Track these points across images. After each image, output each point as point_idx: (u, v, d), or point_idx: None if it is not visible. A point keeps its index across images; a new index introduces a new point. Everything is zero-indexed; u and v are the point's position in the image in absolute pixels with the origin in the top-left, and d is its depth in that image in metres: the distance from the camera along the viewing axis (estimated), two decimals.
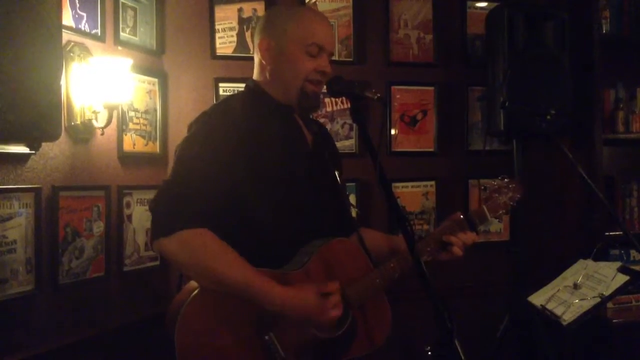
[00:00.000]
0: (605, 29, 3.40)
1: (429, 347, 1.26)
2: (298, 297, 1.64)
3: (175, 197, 1.61)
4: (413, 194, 3.32)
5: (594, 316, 2.55)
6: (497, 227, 3.47)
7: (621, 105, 3.46)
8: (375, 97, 1.62)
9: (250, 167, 1.69)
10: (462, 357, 1.24)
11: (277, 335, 1.66)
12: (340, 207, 1.91)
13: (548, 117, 2.55)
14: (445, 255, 1.93)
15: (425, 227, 3.35)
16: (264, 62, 1.84)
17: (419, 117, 3.36)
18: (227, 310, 1.63)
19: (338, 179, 1.89)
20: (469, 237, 1.93)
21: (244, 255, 1.65)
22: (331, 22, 3.21)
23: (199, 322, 1.61)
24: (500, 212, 2.02)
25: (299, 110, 1.87)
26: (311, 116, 1.99)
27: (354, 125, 3.18)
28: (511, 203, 2.03)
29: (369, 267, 1.82)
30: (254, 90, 1.88)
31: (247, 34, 3.10)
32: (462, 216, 1.95)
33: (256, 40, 1.87)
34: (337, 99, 3.16)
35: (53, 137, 1.97)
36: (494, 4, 3.29)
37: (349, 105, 1.70)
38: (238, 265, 1.61)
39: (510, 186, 2.04)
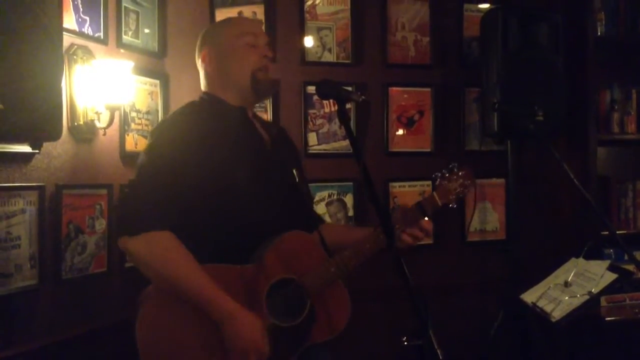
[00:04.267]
0: (600, 30, 3.43)
1: (405, 337, 1.32)
2: (235, 324, 1.69)
3: (142, 197, 1.73)
4: (410, 194, 3.38)
5: (587, 314, 2.60)
6: (494, 226, 3.53)
7: (616, 106, 3.50)
8: (360, 99, 1.69)
9: (209, 167, 1.79)
10: (436, 347, 1.29)
11: None
12: (301, 204, 1.98)
13: (538, 118, 2.60)
14: (400, 243, 1.97)
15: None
16: (209, 69, 1.98)
17: (416, 117, 3.41)
18: (186, 304, 1.72)
19: (297, 177, 1.96)
20: (425, 223, 1.99)
21: (206, 250, 1.75)
22: (329, 25, 3.30)
23: (159, 317, 1.71)
24: (451, 197, 2.05)
25: (256, 99, 2.01)
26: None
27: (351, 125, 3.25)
28: (461, 189, 2.07)
29: (324, 257, 1.88)
30: (207, 99, 2.00)
31: None
32: (414, 205, 2.01)
33: (197, 57, 2.02)
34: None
35: (54, 137, 2.05)
36: (491, 6, 3.35)
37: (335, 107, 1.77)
38: (194, 272, 1.71)
39: (460, 173, 2.08)
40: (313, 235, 1.92)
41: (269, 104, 3.17)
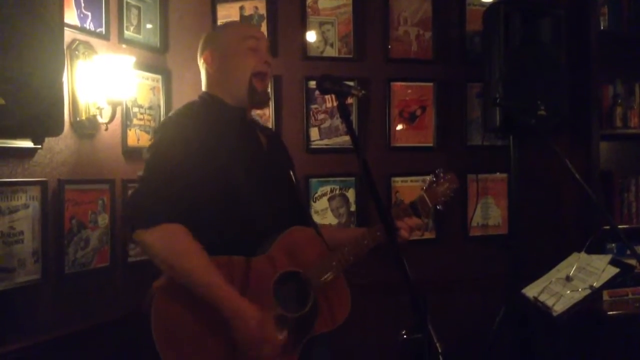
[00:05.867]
0: (603, 25, 3.43)
1: (404, 332, 1.33)
2: (245, 320, 1.72)
3: (153, 191, 1.77)
4: (412, 188, 3.37)
5: (589, 308, 2.59)
6: (496, 221, 3.52)
7: (619, 101, 3.49)
8: (360, 94, 1.71)
9: (210, 165, 1.83)
10: (436, 341, 1.30)
11: None
12: (298, 203, 2.04)
13: (540, 113, 2.59)
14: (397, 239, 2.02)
15: (424, 220, 3.41)
16: (211, 70, 2.03)
17: (418, 112, 3.41)
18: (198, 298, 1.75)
19: (293, 178, 2.06)
20: (414, 221, 2.09)
21: (212, 244, 1.78)
22: (331, 20, 3.30)
23: (173, 307, 1.75)
24: (440, 199, 2.17)
25: (250, 107, 2.04)
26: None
27: (354, 121, 3.25)
28: (449, 192, 2.19)
29: (325, 252, 1.95)
30: (207, 99, 2.03)
31: None
32: (407, 204, 2.12)
33: (199, 58, 2.06)
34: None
35: (56, 132, 2.06)
36: (493, 1, 3.34)
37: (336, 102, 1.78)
38: (206, 268, 1.74)
39: (447, 177, 2.20)
40: (311, 229, 1.98)
41: (271, 99, 3.17)
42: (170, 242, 1.74)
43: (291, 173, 2.07)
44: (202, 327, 1.76)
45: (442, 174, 2.20)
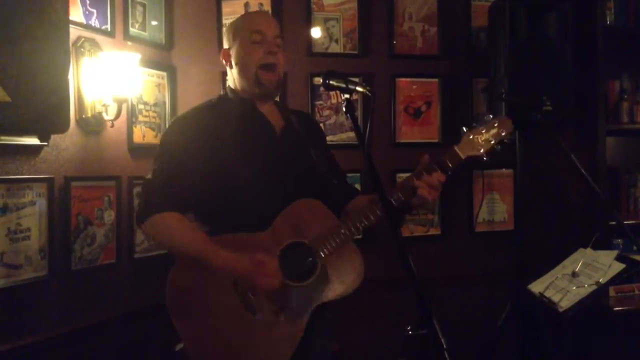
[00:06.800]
0: (609, 20, 3.41)
1: (409, 327, 1.33)
2: (235, 262, 1.82)
3: (149, 190, 1.93)
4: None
5: (595, 304, 2.58)
6: (502, 217, 3.52)
7: (626, 96, 3.48)
8: (366, 90, 1.71)
9: (213, 158, 1.92)
10: (440, 336, 1.30)
11: None
12: (317, 183, 2.04)
13: (546, 108, 2.58)
14: (416, 200, 1.87)
15: (430, 216, 3.41)
16: (228, 67, 2.09)
17: (423, 108, 3.41)
18: (206, 270, 1.85)
19: (314, 156, 2.04)
20: (434, 177, 1.83)
21: (227, 227, 1.89)
22: (336, 16, 3.29)
23: (184, 282, 1.90)
24: (480, 149, 1.85)
25: (259, 99, 2.06)
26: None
27: (359, 117, 3.25)
28: (495, 139, 1.85)
29: (334, 221, 1.95)
30: (227, 93, 2.13)
31: None
32: (428, 159, 1.87)
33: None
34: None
35: (61, 129, 2.07)
36: None
37: (342, 98, 1.76)
38: (191, 238, 1.89)
39: (495, 123, 1.86)
40: (318, 201, 1.97)
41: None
42: (160, 229, 1.90)
43: (312, 152, 2.05)
44: (212, 295, 1.86)
45: (490, 120, 1.87)
